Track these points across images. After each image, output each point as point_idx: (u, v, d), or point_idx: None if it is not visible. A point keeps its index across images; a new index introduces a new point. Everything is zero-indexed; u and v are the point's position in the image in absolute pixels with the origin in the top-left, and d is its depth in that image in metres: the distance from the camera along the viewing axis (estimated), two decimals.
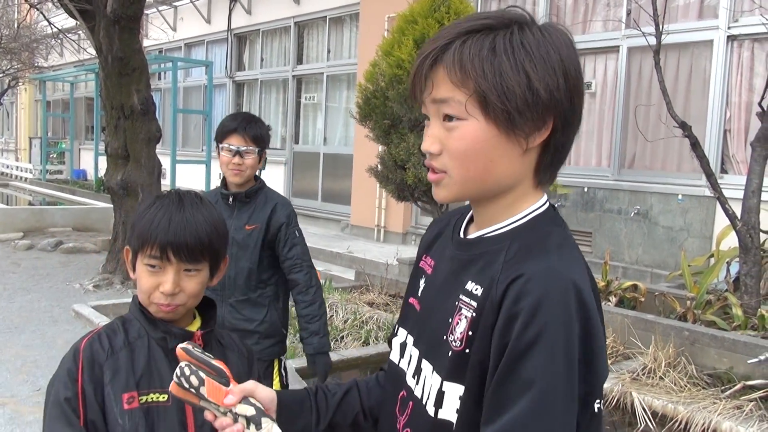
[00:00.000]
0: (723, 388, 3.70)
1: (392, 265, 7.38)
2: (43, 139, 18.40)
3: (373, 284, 6.42)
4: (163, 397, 1.36)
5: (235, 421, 1.15)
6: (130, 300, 1.48)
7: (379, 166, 6.81)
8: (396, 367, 1.21)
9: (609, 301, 5.01)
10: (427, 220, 8.60)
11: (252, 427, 1.14)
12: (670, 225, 6.91)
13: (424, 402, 1.09)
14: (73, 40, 13.16)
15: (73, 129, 19.11)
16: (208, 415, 1.16)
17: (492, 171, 1.03)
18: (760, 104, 5.03)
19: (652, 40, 5.36)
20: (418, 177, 6.21)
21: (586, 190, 7.64)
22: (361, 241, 9.49)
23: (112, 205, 8.01)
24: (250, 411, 1.15)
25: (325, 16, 11.51)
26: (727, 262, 5.21)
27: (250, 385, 1.19)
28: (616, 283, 5.24)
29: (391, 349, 1.25)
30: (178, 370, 1.15)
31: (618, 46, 7.47)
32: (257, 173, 2.90)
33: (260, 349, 2.71)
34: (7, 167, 21.54)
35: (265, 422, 1.15)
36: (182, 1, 14.70)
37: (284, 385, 3.03)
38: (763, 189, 4.98)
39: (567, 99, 1.01)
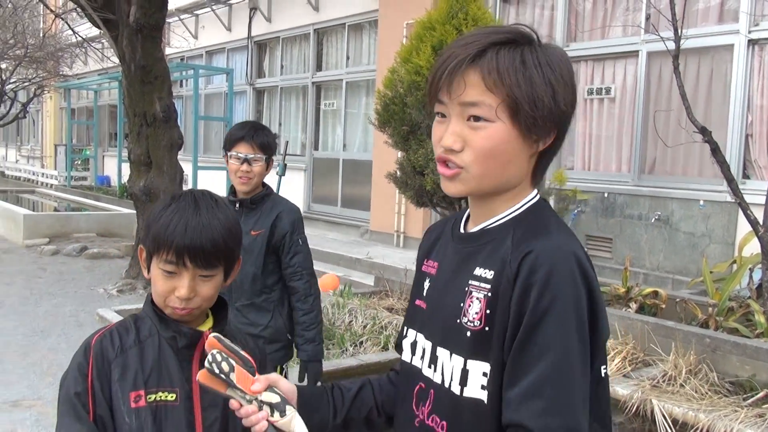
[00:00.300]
0: (745, 396, 3.67)
1: (411, 271, 7.39)
2: (67, 146, 18.69)
3: (393, 290, 6.45)
4: (171, 397, 1.36)
5: (260, 409, 1.19)
6: None
7: (398, 172, 6.85)
8: (408, 366, 1.27)
9: (629, 307, 4.98)
10: None
11: (276, 414, 1.19)
12: (692, 231, 6.85)
13: (447, 384, 1.16)
14: (97, 49, 13.38)
15: (97, 136, 19.39)
16: (233, 404, 1.21)
17: (507, 169, 1.15)
18: None
19: (671, 45, 5.34)
20: (437, 183, 6.23)
21: (606, 195, 7.61)
22: (380, 247, 9.52)
23: (135, 211, 8.13)
24: (275, 399, 1.21)
25: (344, 23, 11.59)
26: (750, 269, 5.16)
27: (275, 375, 1.26)
28: (636, 290, 5.21)
29: (400, 352, 1.32)
30: (209, 356, 1.20)
31: (637, 51, 7.44)
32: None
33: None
34: (33, 174, 21.89)
35: (289, 410, 1.21)
36: (203, 10, 14.88)
37: None
38: None
39: (572, 112, 1.16)
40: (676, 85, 5.46)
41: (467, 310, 1.14)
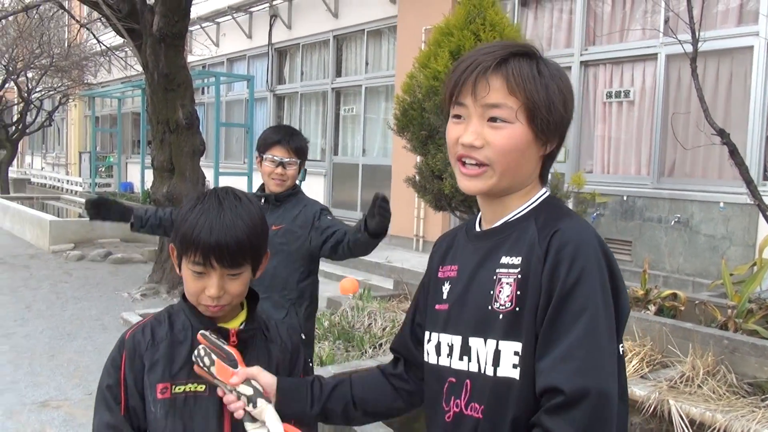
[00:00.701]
0: (763, 397, 3.67)
1: None
2: (92, 153, 19.01)
3: (411, 293, 6.49)
4: (201, 388, 1.42)
5: (238, 399, 1.35)
6: None
7: (416, 176, 6.90)
8: (435, 367, 1.33)
9: (648, 309, 4.98)
10: None
11: (250, 405, 1.35)
12: (712, 233, 6.82)
13: (482, 370, 1.23)
14: (121, 58, 13.60)
15: (120, 143, 19.69)
16: (219, 392, 1.38)
17: (523, 168, 1.25)
18: None
19: (689, 48, 5.34)
20: (455, 187, 6.27)
21: (625, 198, 7.60)
22: (399, 251, 9.57)
23: None
24: (248, 391, 1.36)
25: (363, 29, 11.68)
26: None
27: (255, 369, 1.40)
28: (655, 292, 5.21)
29: (418, 356, 1.41)
30: (195, 351, 1.38)
31: (656, 54, 7.43)
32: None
33: None
34: (58, 181, 22.27)
35: (260, 402, 1.35)
36: (224, 18, 15.07)
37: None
38: None
39: (570, 121, 1.29)
40: (695, 88, 5.45)
41: (498, 296, 1.21)
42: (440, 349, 1.32)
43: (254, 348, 1.49)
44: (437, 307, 1.35)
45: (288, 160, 2.84)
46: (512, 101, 1.20)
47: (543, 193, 1.31)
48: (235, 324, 1.48)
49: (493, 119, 1.21)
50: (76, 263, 9.69)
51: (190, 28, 12.21)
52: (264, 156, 2.87)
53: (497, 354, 1.19)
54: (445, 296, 1.34)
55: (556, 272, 1.15)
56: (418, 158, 7.02)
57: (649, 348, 4.28)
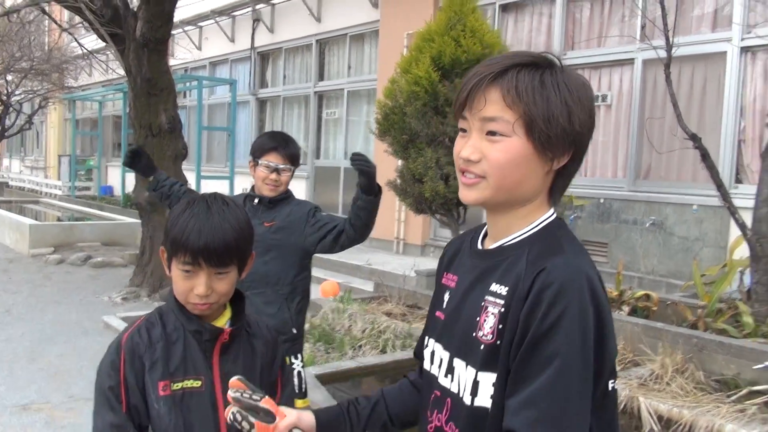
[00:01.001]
0: (729, 393, 3.78)
1: (410, 277, 7.52)
2: (72, 156, 18.90)
3: (392, 295, 6.57)
4: (197, 383, 1.52)
5: None
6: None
7: (397, 179, 6.98)
8: (428, 374, 1.36)
9: (621, 310, 5.10)
10: (445, 232, 8.75)
11: None
12: (686, 235, 6.97)
13: (461, 395, 1.23)
14: (102, 61, 13.56)
15: (101, 146, 19.59)
16: None
17: (522, 183, 1.20)
18: None
19: (664, 53, 5.47)
20: (435, 190, 6.36)
21: (602, 201, 7.73)
22: (380, 254, 9.64)
23: (139, 220, 8.26)
24: None
25: (346, 33, 11.76)
26: (740, 271, 5.27)
27: (293, 417, 1.37)
28: (628, 293, 5.33)
29: (422, 359, 1.41)
30: (230, 416, 1.34)
31: (633, 59, 7.58)
32: None
33: None
34: (37, 184, 22.11)
35: None
36: (207, 21, 15.09)
37: (301, 390, 3.17)
38: None
39: (588, 135, 1.22)
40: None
41: (482, 325, 1.20)
42: (434, 357, 1.33)
43: (239, 343, 1.59)
44: (437, 313, 1.36)
45: (283, 166, 2.95)
46: (509, 114, 1.17)
47: (546, 217, 1.25)
48: (221, 322, 1.58)
49: (491, 133, 1.19)
50: (55, 267, 9.65)
51: (172, 32, 12.23)
52: (259, 161, 2.96)
53: (476, 384, 1.20)
54: (444, 305, 1.34)
55: (533, 313, 1.12)
56: (399, 162, 7.10)
57: (621, 347, 4.39)
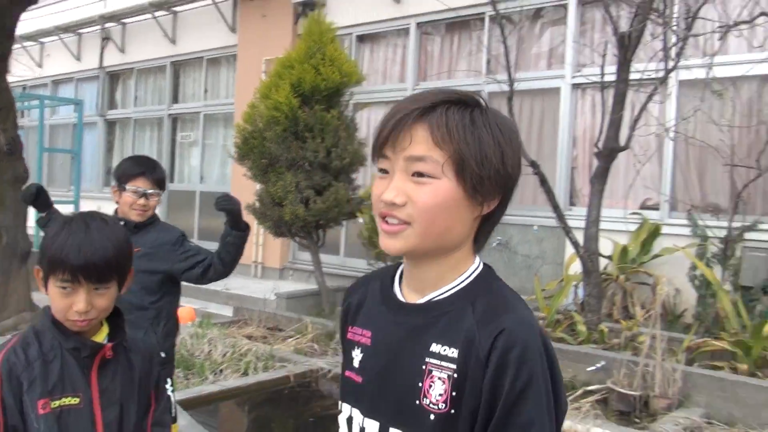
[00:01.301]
0: (567, 394, 4.16)
1: (270, 300, 7.51)
2: None
3: (252, 318, 6.55)
4: (75, 401, 1.52)
5: None
6: None
7: (256, 203, 7.00)
8: None
9: None
10: (305, 255, 8.80)
11: None
12: (528, 253, 7.54)
13: None
14: None
15: None
16: None
17: (451, 229, 1.11)
18: (596, 145, 5.73)
19: (506, 87, 5.96)
20: (295, 213, 6.46)
21: None
22: (239, 278, 9.51)
23: None
24: None
25: (202, 56, 11.60)
26: (575, 285, 5.81)
27: None
28: None
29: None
30: None
31: (480, 92, 8.11)
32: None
33: None
34: None
35: None
36: (50, 38, 14.25)
37: (171, 414, 3.12)
38: (601, 219, 5.64)
39: (516, 179, 1.16)
40: None
41: (428, 391, 1.09)
42: (352, 425, 1.20)
43: (118, 359, 1.60)
44: (347, 373, 1.23)
45: (151, 191, 2.94)
46: (438, 154, 1.07)
47: (476, 266, 1.17)
48: (99, 338, 1.59)
49: (418, 174, 1.08)
50: None
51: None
52: (126, 187, 2.92)
53: None
54: (356, 365, 1.21)
55: (500, 380, 1.04)
56: (258, 186, 7.12)
57: None
